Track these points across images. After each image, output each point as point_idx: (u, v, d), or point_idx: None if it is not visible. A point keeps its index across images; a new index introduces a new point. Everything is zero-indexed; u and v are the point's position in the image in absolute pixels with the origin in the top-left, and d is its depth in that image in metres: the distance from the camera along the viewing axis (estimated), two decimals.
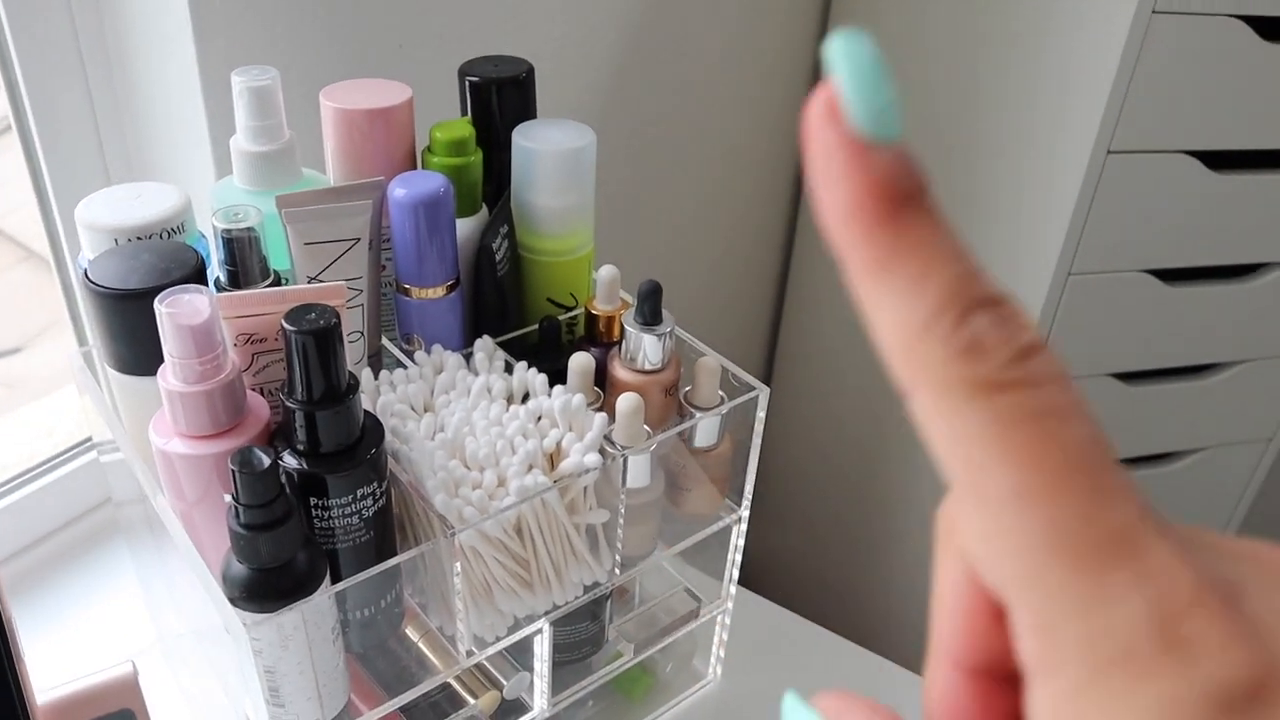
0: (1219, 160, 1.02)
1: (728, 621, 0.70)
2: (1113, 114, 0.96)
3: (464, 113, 0.63)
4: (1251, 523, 1.43)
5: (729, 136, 1.20)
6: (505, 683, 0.58)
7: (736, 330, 1.45)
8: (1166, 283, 1.09)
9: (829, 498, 1.50)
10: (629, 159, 1.07)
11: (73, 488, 0.80)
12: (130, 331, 0.48)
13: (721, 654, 0.72)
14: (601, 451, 0.53)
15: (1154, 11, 0.90)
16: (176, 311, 0.44)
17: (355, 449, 0.47)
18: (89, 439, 0.81)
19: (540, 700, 0.60)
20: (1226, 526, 1.37)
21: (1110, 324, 1.11)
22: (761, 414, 0.60)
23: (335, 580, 0.48)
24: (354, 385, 0.46)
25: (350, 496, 0.47)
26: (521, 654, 0.58)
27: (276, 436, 0.48)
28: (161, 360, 0.46)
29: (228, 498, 0.44)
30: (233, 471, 0.42)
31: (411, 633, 0.56)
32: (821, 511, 1.52)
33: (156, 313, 0.44)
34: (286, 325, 0.44)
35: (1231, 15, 0.92)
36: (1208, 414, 1.23)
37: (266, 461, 0.42)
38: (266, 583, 0.44)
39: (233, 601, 0.44)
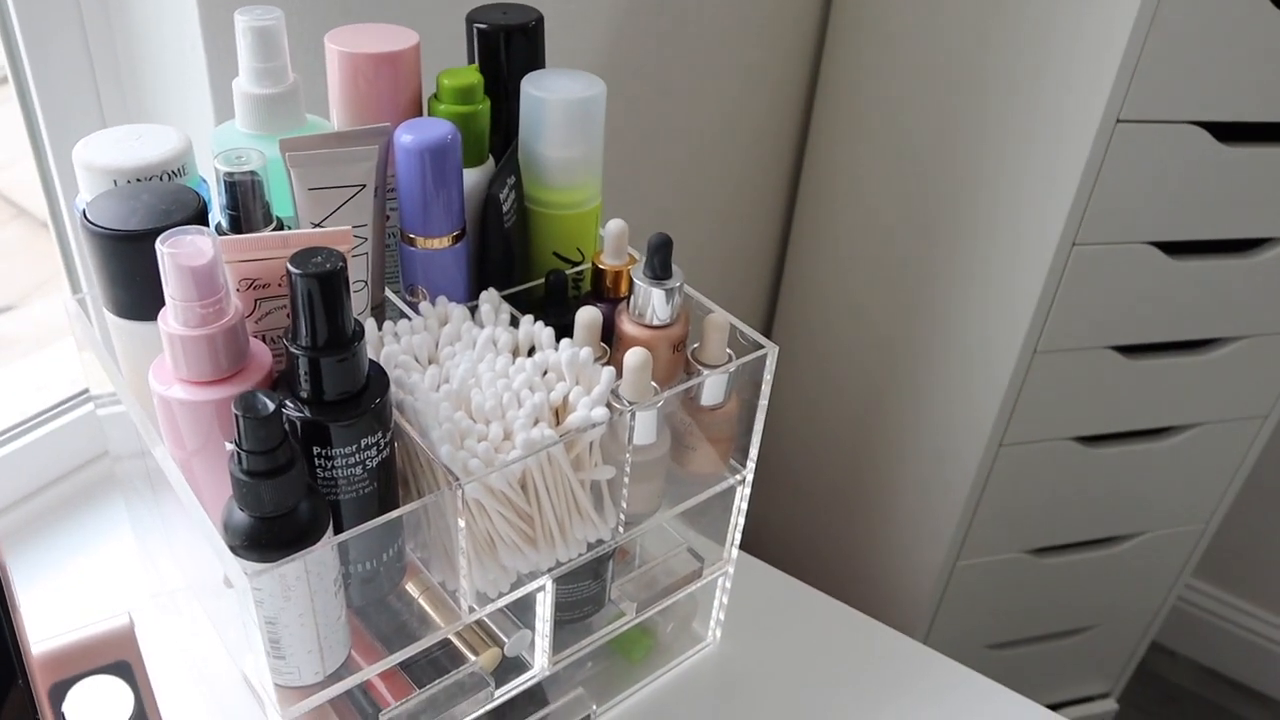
0: (1228, 132, 1.01)
1: (728, 585, 0.69)
2: (1123, 82, 0.95)
3: (470, 60, 0.62)
4: (1246, 499, 1.43)
5: (734, 94, 1.19)
6: (506, 640, 0.57)
7: (737, 292, 1.44)
8: (1170, 255, 1.08)
9: (825, 462, 1.50)
10: (630, 113, 1.05)
11: (67, 442, 0.79)
12: (130, 274, 0.47)
13: (721, 617, 0.71)
14: (609, 406, 0.52)
15: None
16: (179, 252, 0.43)
17: (360, 397, 0.46)
18: (83, 393, 0.80)
19: (541, 658, 0.59)
20: (1220, 502, 1.38)
21: (1112, 296, 1.11)
22: (769, 373, 0.59)
23: (338, 532, 0.47)
24: (359, 332, 0.45)
25: (354, 446, 0.46)
26: (523, 612, 0.58)
27: (279, 384, 0.47)
28: (162, 304, 0.45)
29: (230, 444, 0.43)
30: (236, 416, 0.41)
31: (412, 589, 0.56)
32: (817, 476, 1.52)
33: (158, 253, 0.43)
34: (292, 268, 0.43)
35: None
36: (1206, 389, 1.23)
37: (271, 406, 0.41)
38: (269, 532, 0.43)
39: (234, 550, 0.44)
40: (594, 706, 0.65)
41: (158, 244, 0.43)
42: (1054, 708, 1.56)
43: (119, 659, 0.53)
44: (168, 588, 0.65)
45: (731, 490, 0.64)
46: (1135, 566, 1.43)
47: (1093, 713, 1.61)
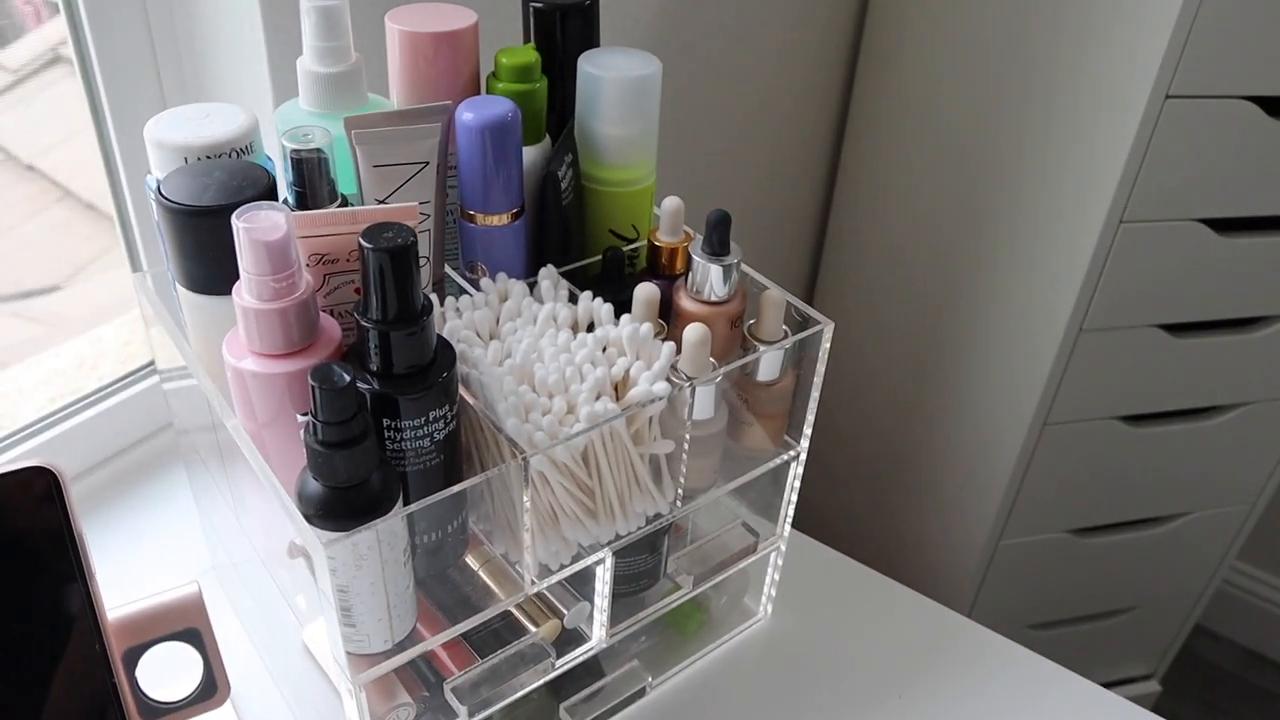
0: (1279, 107, 1.00)
1: (780, 561, 0.70)
2: (1173, 57, 0.94)
3: (526, 39, 0.62)
4: None
5: (778, 71, 1.18)
6: (566, 612, 0.58)
7: (778, 272, 1.44)
8: (1219, 233, 1.07)
9: (869, 441, 1.50)
10: (677, 92, 1.05)
11: (126, 416, 0.80)
12: (203, 249, 0.48)
13: (773, 592, 0.72)
14: (669, 381, 0.53)
15: None
16: (254, 227, 0.43)
17: (428, 371, 0.47)
18: (139, 370, 0.82)
19: (599, 631, 0.60)
20: (1266, 484, 1.36)
21: (1160, 274, 1.10)
22: (825, 348, 0.59)
23: (407, 503, 0.48)
24: (428, 306, 0.46)
25: (423, 419, 0.47)
26: (581, 585, 0.58)
27: (349, 357, 0.48)
28: (234, 278, 0.46)
29: (303, 415, 0.44)
30: (313, 387, 0.42)
31: (472, 561, 0.57)
32: (861, 455, 1.52)
33: (234, 228, 0.44)
34: (364, 242, 0.43)
35: None
36: (1254, 368, 1.22)
37: (346, 378, 0.42)
38: (342, 501, 0.44)
39: (309, 520, 0.45)
40: (649, 678, 0.66)
41: (233, 219, 0.44)
42: None
43: (189, 626, 0.55)
44: (232, 558, 0.67)
45: (785, 466, 0.65)
46: (1179, 548, 1.42)
47: (1135, 694, 1.60)
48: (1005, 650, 0.74)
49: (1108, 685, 1.59)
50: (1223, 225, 1.08)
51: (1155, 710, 0.75)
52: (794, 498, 0.66)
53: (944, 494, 1.38)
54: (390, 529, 0.46)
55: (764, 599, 0.72)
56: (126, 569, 0.74)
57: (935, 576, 1.44)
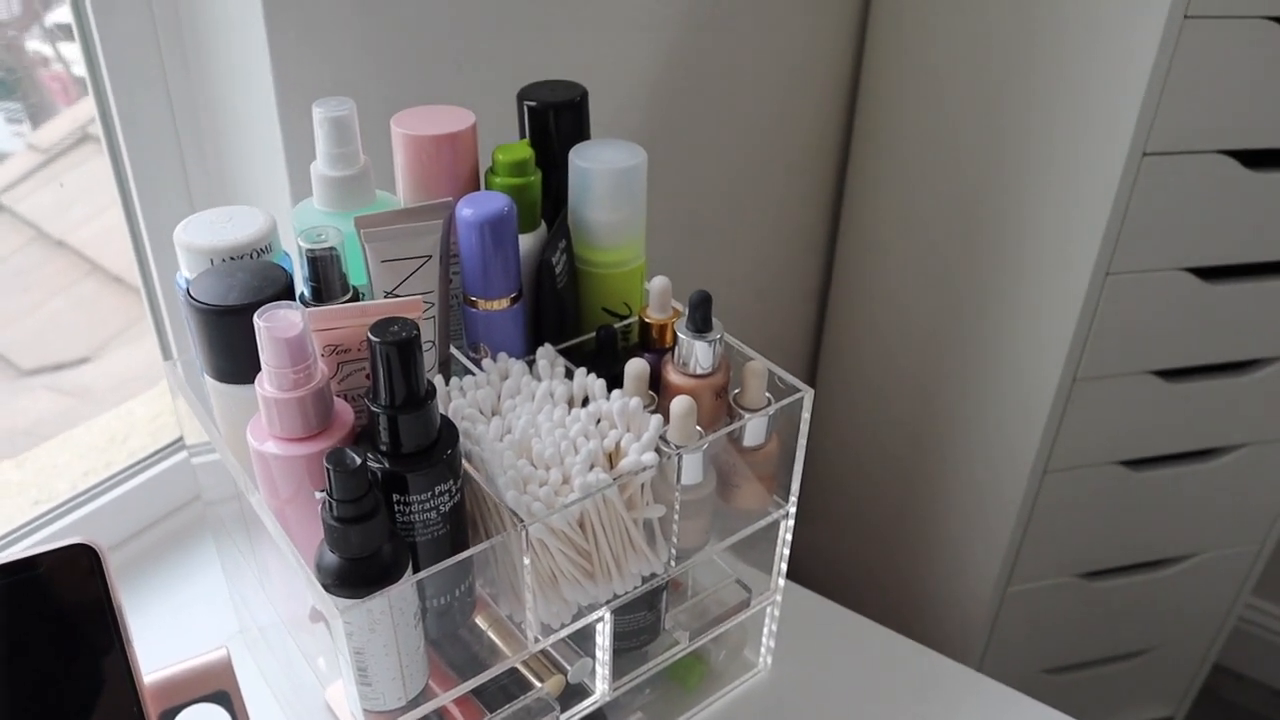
0: (1255, 159, 1.03)
1: (777, 613, 0.73)
2: (1147, 116, 0.98)
3: (522, 134, 0.67)
4: None
5: (770, 145, 1.24)
6: (569, 667, 0.62)
7: (781, 334, 1.48)
8: (1205, 280, 1.11)
9: (873, 493, 1.53)
10: (672, 171, 1.10)
11: (156, 490, 0.85)
12: (229, 344, 0.53)
13: (771, 644, 0.75)
14: (657, 450, 0.57)
15: (1186, 16, 0.92)
16: (273, 325, 0.48)
17: (433, 449, 0.51)
18: (169, 445, 0.87)
19: (602, 684, 0.64)
20: (1276, 522, 1.38)
21: (1150, 322, 1.13)
22: (806, 414, 0.63)
23: (416, 571, 0.52)
24: (432, 391, 0.51)
25: (429, 493, 0.51)
26: (584, 641, 0.62)
27: (361, 439, 0.52)
28: (255, 369, 0.51)
29: (320, 494, 0.48)
30: (328, 470, 0.46)
31: (481, 622, 0.61)
32: (866, 507, 1.55)
33: (255, 327, 0.48)
34: (373, 337, 0.48)
35: (1264, 17, 0.94)
36: (1249, 410, 1.24)
37: (358, 460, 0.47)
38: (356, 571, 0.49)
39: (326, 588, 0.49)
40: None
41: (255, 319, 0.48)
42: None
43: (219, 689, 0.59)
44: (257, 623, 0.71)
45: (776, 524, 0.68)
46: (1190, 588, 1.43)
47: None
48: (1009, 700, 0.76)
49: None
50: (1208, 273, 1.11)
51: None
52: (785, 552, 0.70)
53: (949, 543, 1.41)
54: (401, 595, 0.50)
55: (763, 651, 0.75)
56: (160, 635, 0.78)
57: (947, 625, 1.46)
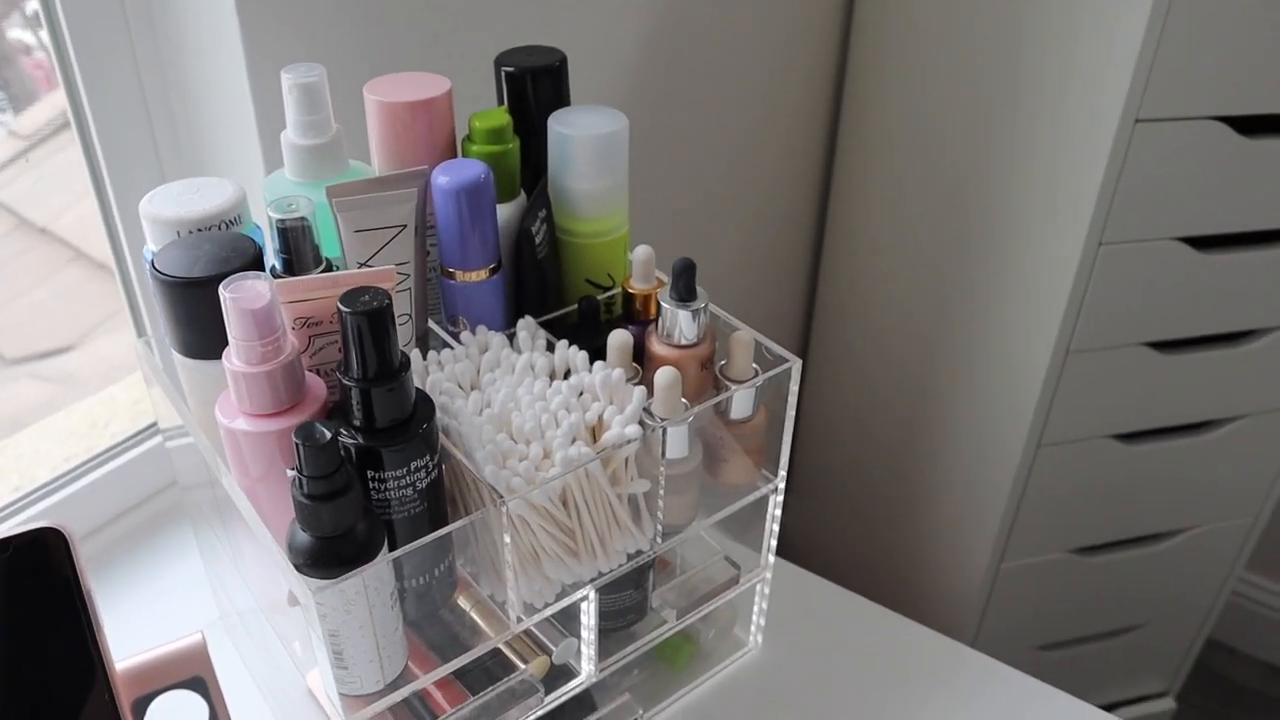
0: (1250, 125, 1.02)
1: (767, 591, 0.72)
2: (1140, 82, 0.96)
3: (500, 101, 0.65)
4: None
5: (757, 113, 1.22)
6: (554, 648, 0.60)
7: (770, 309, 1.47)
8: (1199, 250, 1.09)
9: (866, 470, 1.51)
10: (658, 139, 1.08)
11: (136, 474, 0.84)
12: (195, 318, 0.51)
13: (761, 622, 0.74)
14: (641, 423, 0.55)
15: None
16: (239, 297, 0.47)
17: (408, 424, 0.49)
18: (148, 428, 0.85)
19: (587, 665, 0.62)
20: (1269, 495, 1.37)
21: (1143, 293, 1.12)
22: (795, 385, 0.62)
23: (393, 549, 0.50)
24: (406, 363, 0.49)
25: (405, 469, 0.50)
26: (569, 621, 0.61)
27: (334, 414, 0.50)
28: (225, 344, 0.49)
29: (291, 471, 0.47)
30: (297, 445, 0.45)
31: (463, 602, 0.59)
32: (859, 483, 1.54)
33: (221, 298, 0.47)
34: (342, 307, 0.46)
35: None
36: (1244, 382, 1.23)
37: (328, 435, 0.45)
38: (329, 551, 0.47)
39: (298, 569, 0.47)
40: (641, 711, 0.68)
41: (220, 290, 0.47)
42: (1110, 707, 1.56)
43: (194, 675, 0.57)
44: (236, 609, 0.69)
45: (765, 499, 0.67)
46: (1184, 562, 1.43)
47: (1151, 711, 1.60)
48: (1001, 675, 0.75)
49: (1122, 704, 1.59)
50: (1203, 243, 1.10)
51: None
52: (775, 528, 0.69)
53: (942, 519, 1.40)
54: (376, 574, 0.48)
55: (753, 629, 0.74)
56: (140, 622, 0.76)
57: (939, 602, 1.45)
